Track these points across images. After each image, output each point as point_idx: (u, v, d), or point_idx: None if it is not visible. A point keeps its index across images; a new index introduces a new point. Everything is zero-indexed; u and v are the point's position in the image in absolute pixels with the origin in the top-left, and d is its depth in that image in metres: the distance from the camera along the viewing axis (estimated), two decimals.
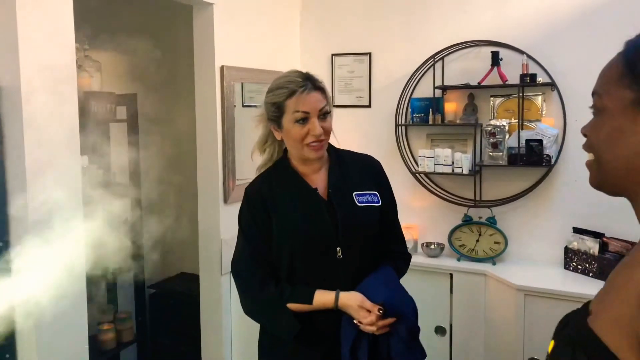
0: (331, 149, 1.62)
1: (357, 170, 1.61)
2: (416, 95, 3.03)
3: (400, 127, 3.06)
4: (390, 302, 1.45)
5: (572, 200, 2.74)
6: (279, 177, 1.58)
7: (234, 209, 2.71)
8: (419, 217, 3.06)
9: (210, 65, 2.58)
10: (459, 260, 2.83)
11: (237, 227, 1.63)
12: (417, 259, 2.75)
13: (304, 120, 1.47)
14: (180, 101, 2.83)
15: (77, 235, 1.98)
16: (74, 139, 1.94)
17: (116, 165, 2.67)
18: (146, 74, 3.13)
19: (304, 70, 1.55)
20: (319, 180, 1.56)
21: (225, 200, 2.70)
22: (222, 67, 2.60)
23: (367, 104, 3.17)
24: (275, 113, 1.51)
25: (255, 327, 1.70)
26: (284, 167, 1.59)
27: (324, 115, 1.49)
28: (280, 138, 1.55)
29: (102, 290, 2.72)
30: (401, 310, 1.46)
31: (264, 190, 1.57)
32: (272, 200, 1.54)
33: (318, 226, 1.50)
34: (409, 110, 3.03)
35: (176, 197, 2.37)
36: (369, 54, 3.16)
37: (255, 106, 3.06)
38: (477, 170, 2.85)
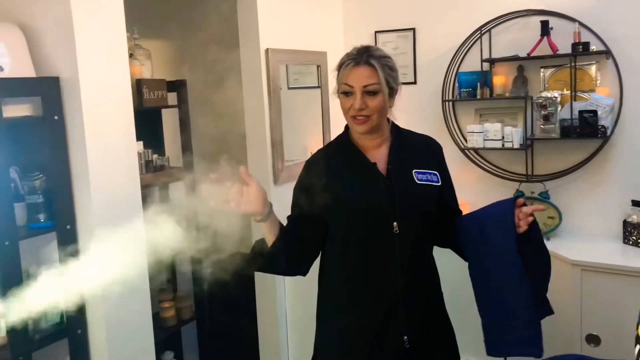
0: (393, 126, 1.62)
1: (418, 149, 1.61)
2: (463, 69, 2.98)
3: (447, 103, 3.01)
4: None
5: (631, 172, 2.64)
6: (338, 150, 1.60)
7: (284, 189, 2.78)
8: (469, 194, 3.02)
9: (255, 49, 2.62)
10: None
11: (288, 207, 1.66)
12: None
13: (349, 93, 1.49)
14: (228, 85, 2.89)
15: (136, 218, 2.08)
16: (129, 126, 2.02)
17: (169, 149, 2.76)
18: (194, 59, 3.20)
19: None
20: (379, 155, 1.56)
21: (275, 181, 2.75)
22: (267, 50, 2.63)
23: (413, 80, 3.14)
24: (336, 84, 1.55)
25: (311, 303, 1.72)
26: (344, 141, 1.60)
27: (371, 92, 1.48)
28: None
29: (162, 270, 2.84)
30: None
31: (322, 163, 1.59)
32: (330, 173, 1.56)
33: (375, 200, 1.51)
34: (456, 85, 2.98)
35: (228, 178, 2.44)
36: (413, 29, 3.12)
37: (300, 88, 3.09)
38: (528, 144, 2.78)
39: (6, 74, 1.65)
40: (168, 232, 2.25)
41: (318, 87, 3.09)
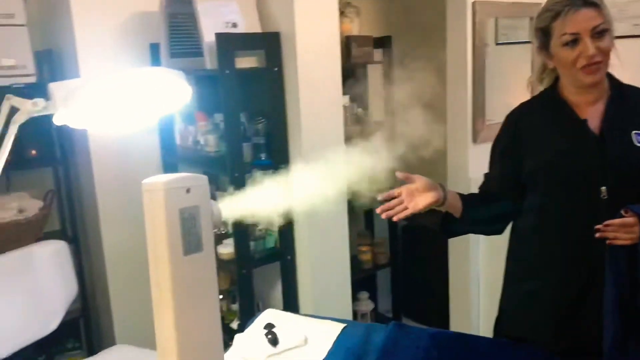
0: (613, 80, 1.46)
1: None
2: None
3: None
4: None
5: None
6: (543, 105, 1.51)
7: (483, 148, 2.72)
8: None
9: (461, 2, 2.58)
10: None
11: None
12: None
13: (573, 42, 1.35)
14: (433, 41, 2.91)
15: (339, 163, 2.28)
16: (337, 80, 2.21)
17: (373, 104, 2.92)
18: (400, 15, 3.27)
19: None
20: (592, 112, 1.43)
21: (475, 140, 2.71)
22: (474, 3, 2.58)
23: None
24: (542, 39, 1.43)
25: (503, 260, 1.70)
26: (551, 96, 1.49)
27: (599, 33, 1.34)
28: (552, 66, 1.47)
29: (360, 216, 3.05)
30: None
31: (524, 118, 1.52)
32: (530, 130, 1.49)
33: (581, 161, 1.40)
34: None
35: (427, 135, 2.50)
36: None
37: (509, 43, 2.95)
38: None
39: (239, 30, 1.96)
40: (367, 181, 2.42)
41: (529, 42, 2.92)
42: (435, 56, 3.01)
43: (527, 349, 1.48)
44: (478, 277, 2.76)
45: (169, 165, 2.42)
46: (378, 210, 1.41)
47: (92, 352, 2.36)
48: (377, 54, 2.76)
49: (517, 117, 1.54)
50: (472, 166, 2.70)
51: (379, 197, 1.40)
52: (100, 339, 2.54)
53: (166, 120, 2.39)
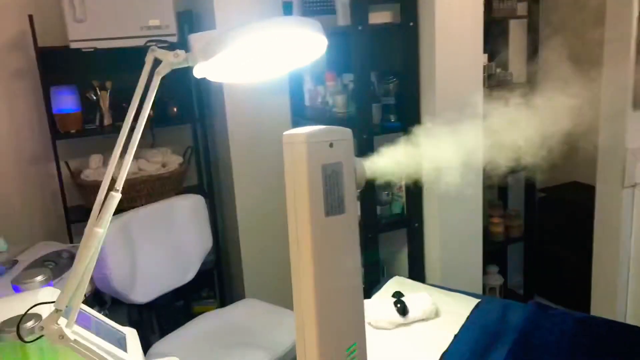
0: None
1: None
2: None
3: None
4: None
5: None
6: None
7: None
8: None
9: None
10: None
11: None
12: None
13: None
14: None
15: (475, 129, 2.12)
16: (477, 37, 2.04)
17: (514, 64, 2.67)
18: None
19: None
20: None
21: (636, 106, 2.38)
22: None
23: None
24: None
25: None
26: None
27: None
28: None
29: (494, 186, 2.86)
30: None
31: None
32: None
33: None
34: None
35: (577, 100, 2.24)
36: None
37: None
38: None
39: None
40: (506, 149, 2.24)
41: None
42: (590, 8, 2.67)
43: None
44: (629, 257, 2.46)
45: (298, 125, 2.41)
46: None
47: (224, 303, 2.49)
48: (522, 7, 2.50)
49: None
50: (631, 135, 2.37)
51: None
52: (231, 291, 2.67)
53: (296, 80, 2.39)
